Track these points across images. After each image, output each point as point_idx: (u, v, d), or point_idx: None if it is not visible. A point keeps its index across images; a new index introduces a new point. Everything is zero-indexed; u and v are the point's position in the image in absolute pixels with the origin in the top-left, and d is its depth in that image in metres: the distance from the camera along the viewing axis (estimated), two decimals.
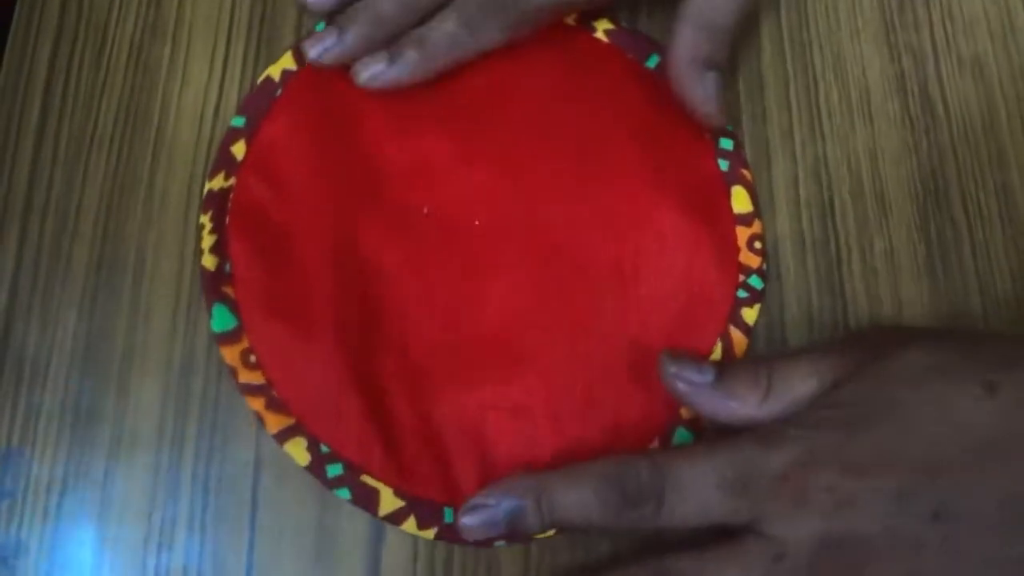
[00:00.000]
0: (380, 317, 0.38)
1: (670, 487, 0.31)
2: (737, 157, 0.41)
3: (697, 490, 0.31)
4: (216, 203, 0.40)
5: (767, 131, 0.42)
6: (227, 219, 0.39)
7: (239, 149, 0.40)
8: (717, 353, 0.38)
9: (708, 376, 0.34)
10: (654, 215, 0.40)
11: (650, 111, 0.41)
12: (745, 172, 0.41)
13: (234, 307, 0.38)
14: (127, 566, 0.35)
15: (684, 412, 0.37)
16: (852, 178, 0.42)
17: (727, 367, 0.34)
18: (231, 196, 0.40)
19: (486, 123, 0.41)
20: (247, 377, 0.37)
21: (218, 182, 0.40)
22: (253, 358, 0.37)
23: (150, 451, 0.37)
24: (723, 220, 0.40)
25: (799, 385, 0.33)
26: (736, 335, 0.39)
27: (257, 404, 0.37)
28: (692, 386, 0.34)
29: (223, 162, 0.40)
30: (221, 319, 0.38)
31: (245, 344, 0.38)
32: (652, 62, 0.43)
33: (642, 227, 0.40)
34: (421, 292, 0.39)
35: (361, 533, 0.36)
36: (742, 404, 0.33)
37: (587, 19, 0.43)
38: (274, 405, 0.37)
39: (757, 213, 0.41)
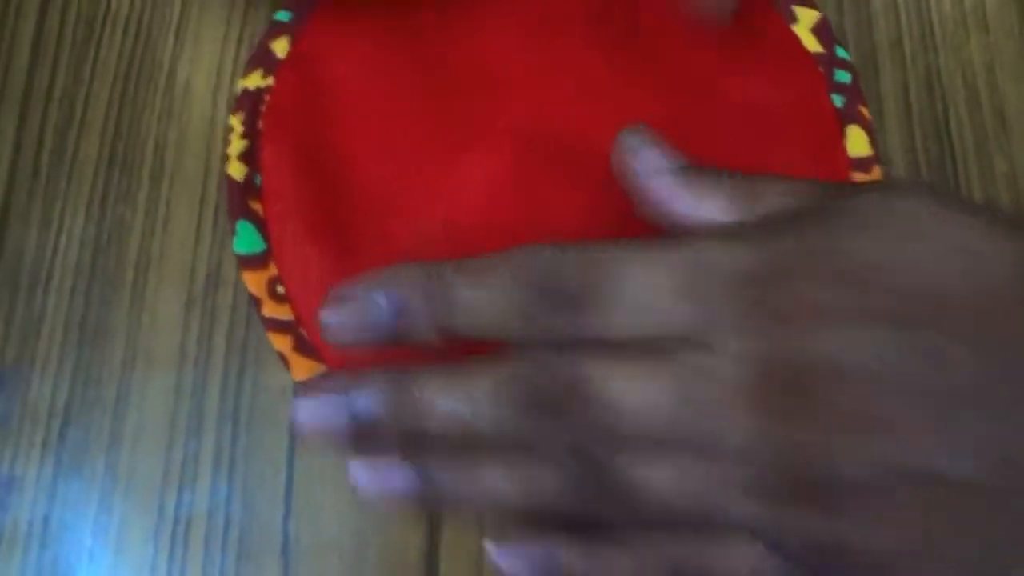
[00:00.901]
0: (439, 243, 0.33)
1: (604, 285, 0.23)
2: (854, 92, 0.36)
3: (637, 290, 0.23)
4: (250, 103, 0.34)
5: (873, 39, 0.37)
6: (261, 122, 0.34)
7: (281, 46, 0.35)
8: None
9: (673, 162, 0.26)
10: (757, 155, 0.35)
11: (754, 36, 0.36)
12: (863, 110, 0.36)
13: (262, 226, 0.33)
14: (141, 508, 0.30)
15: None
16: (968, 91, 0.37)
17: (694, 166, 0.27)
18: (267, 96, 0.34)
19: (568, 37, 0.36)
20: (273, 310, 0.32)
21: (254, 80, 0.34)
22: (281, 289, 0.32)
23: (170, 373, 0.31)
24: (837, 165, 0.35)
25: (774, 200, 0.25)
26: None
27: (283, 343, 0.31)
28: (649, 170, 0.26)
29: (261, 58, 0.35)
30: (246, 239, 0.32)
31: (273, 271, 0.32)
32: None
33: (747, 159, 0.34)
34: (490, 215, 0.33)
35: None
36: (704, 202, 0.25)
37: None
38: (303, 347, 0.31)
39: (876, 157, 0.35)
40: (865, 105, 0.36)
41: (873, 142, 0.35)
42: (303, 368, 0.31)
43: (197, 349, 0.31)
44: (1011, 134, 0.36)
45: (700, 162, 0.34)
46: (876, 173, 0.35)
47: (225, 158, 0.33)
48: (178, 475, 0.30)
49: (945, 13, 0.38)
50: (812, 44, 0.37)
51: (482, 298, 0.24)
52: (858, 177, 0.35)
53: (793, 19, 0.37)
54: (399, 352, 0.30)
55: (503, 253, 0.24)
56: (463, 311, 0.24)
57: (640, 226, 0.33)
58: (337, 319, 0.25)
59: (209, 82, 0.35)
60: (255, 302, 0.32)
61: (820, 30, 0.37)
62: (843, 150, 0.35)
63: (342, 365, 0.31)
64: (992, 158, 0.36)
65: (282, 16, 0.35)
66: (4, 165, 0.33)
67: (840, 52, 0.36)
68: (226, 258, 0.33)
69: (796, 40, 0.37)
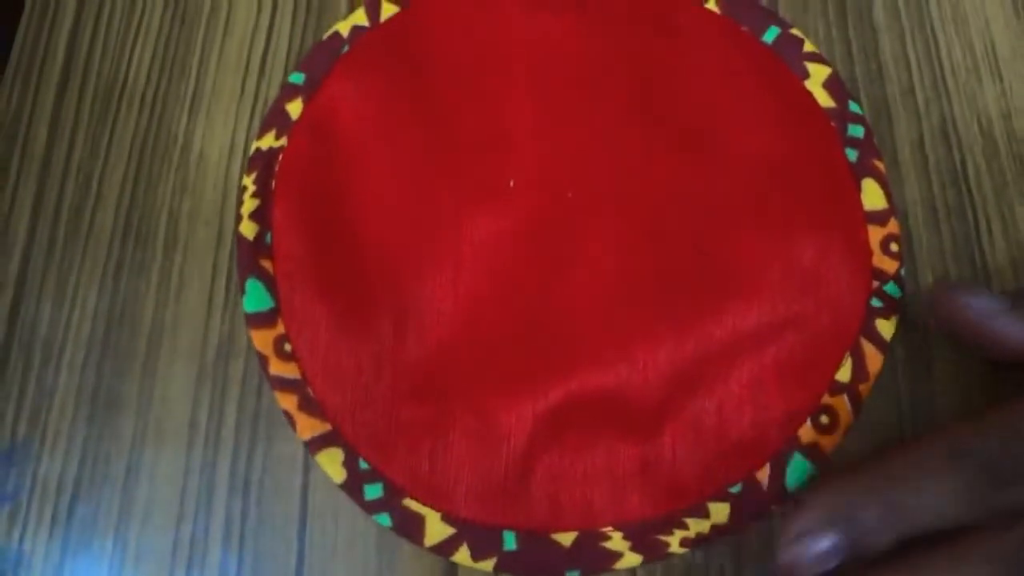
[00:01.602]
0: (450, 307, 0.33)
1: None
2: (868, 146, 0.36)
3: None
4: (263, 163, 0.35)
5: (885, 89, 0.37)
6: (273, 182, 0.34)
7: (295, 108, 0.36)
8: (846, 372, 0.32)
9: (1005, 302, 0.28)
10: (772, 211, 0.34)
11: (766, 92, 0.36)
12: (878, 164, 0.35)
13: (271, 284, 0.33)
14: None
15: (803, 435, 0.31)
16: (985, 139, 0.36)
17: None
18: (280, 157, 0.35)
19: (578, 95, 0.36)
20: (279, 368, 0.32)
21: (267, 141, 0.35)
22: (288, 347, 0.32)
23: (180, 448, 0.31)
24: (852, 218, 0.34)
25: None
26: (870, 351, 0.32)
27: (288, 402, 0.31)
28: (984, 312, 0.28)
29: (275, 120, 0.35)
30: (255, 297, 0.32)
31: (280, 329, 0.32)
32: (770, 36, 0.37)
33: (759, 225, 0.34)
34: (503, 274, 0.33)
35: (430, 556, 0.30)
36: None
37: None
38: (308, 406, 0.31)
39: (892, 211, 0.35)
40: (879, 159, 0.35)
41: (887, 195, 0.35)
42: (308, 427, 0.31)
43: (208, 421, 0.31)
44: None
45: (717, 221, 0.34)
46: (892, 225, 0.34)
47: (238, 218, 0.34)
48: (187, 551, 0.29)
49: (957, 61, 0.38)
50: (824, 99, 0.36)
51: (930, 497, 0.25)
52: (874, 230, 0.34)
53: (805, 75, 0.37)
54: (406, 394, 0.30)
55: (933, 445, 0.26)
56: (914, 513, 0.25)
57: (662, 283, 0.33)
58: (797, 558, 0.26)
59: (222, 154, 0.35)
60: (262, 360, 0.32)
61: (832, 85, 0.37)
62: (859, 203, 0.35)
63: (344, 425, 0.31)
64: (1013, 205, 0.35)
65: (296, 78, 0.36)
66: (20, 239, 0.34)
67: (853, 107, 0.36)
68: (237, 328, 0.32)
69: (809, 96, 0.36)
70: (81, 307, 0.33)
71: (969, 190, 0.36)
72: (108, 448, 0.31)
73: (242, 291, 0.33)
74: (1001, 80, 0.38)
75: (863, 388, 0.32)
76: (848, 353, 0.32)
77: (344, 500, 0.30)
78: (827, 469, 0.31)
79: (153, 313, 0.33)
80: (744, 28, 0.38)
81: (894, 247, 0.34)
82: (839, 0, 0.39)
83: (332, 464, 0.30)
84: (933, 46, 0.38)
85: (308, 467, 0.31)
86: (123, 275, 0.33)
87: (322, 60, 0.36)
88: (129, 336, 0.32)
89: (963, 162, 0.36)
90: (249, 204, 0.34)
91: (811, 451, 0.31)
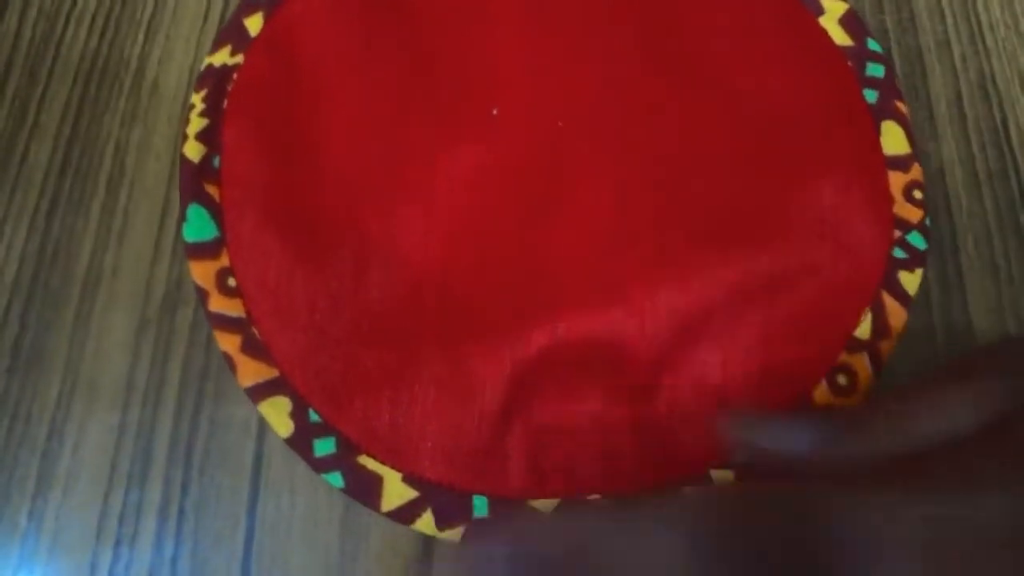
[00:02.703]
0: (422, 239, 0.29)
1: None
2: (889, 86, 0.33)
3: None
4: (214, 81, 0.31)
5: (919, 40, 0.34)
6: (225, 102, 0.30)
7: (254, 23, 0.32)
8: (865, 328, 0.29)
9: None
10: (784, 152, 0.31)
11: (777, 28, 0.33)
12: (899, 104, 0.32)
13: (217, 211, 0.29)
14: (69, 568, 0.25)
15: (817, 396, 0.28)
16: None
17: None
18: (235, 76, 0.31)
19: (575, 28, 0.33)
20: (221, 305, 0.28)
21: (221, 57, 0.31)
22: (232, 281, 0.28)
23: (114, 409, 0.27)
24: (872, 162, 0.31)
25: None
26: (891, 305, 0.29)
27: (229, 344, 0.27)
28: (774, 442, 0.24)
29: (231, 35, 0.32)
30: (197, 225, 0.29)
31: (224, 262, 0.28)
32: None
33: (769, 166, 0.31)
34: (482, 210, 0.29)
35: (403, 538, 0.26)
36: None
37: None
38: (252, 347, 0.27)
39: (915, 155, 0.32)
40: (902, 100, 0.32)
41: (910, 138, 0.32)
42: (251, 372, 0.27)
43: (147, 380, 0.27)
44: None
45: (724, 159, 0.30)
46: (915, 172, 0.31)
47: (183, 138, 0.30)
48: (115, 529, 0.25)
49: (995, 17, 0.35)
50: (840, 37, 0.33)
51: None
52: (895, 177, 0.31)
53: (820, 11, 0.34)
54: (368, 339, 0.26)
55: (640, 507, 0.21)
56: None
57: (663, 223, 0.29)
58: None
59: (179, 82, 0.31)
60: (201, 295, 0.28)
61: (849, 22, 0.34)
62: (879, 147, 0.32)
63: (293, 371, 0.27)
64: None
65: None
66: None
67: (872, 44, 0.33)
68: (187, 276, 0.29)
69: (824, 33, 0.33)
70: (7, 247, 0.29)
71: (1012, 152, 0.33)
72: (28, 407, 0.27)
73: (183, 219, 0.29)
74: None
75: (885, 346, 0.29)
76: (868, 307, 0.29)
77: (304, 471, 0.26)
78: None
79: (90, 256, 0.29)
80: None
81: (917, 194, 0.31)
82: None
83: (278, 415, 0.26)
84: (970, 1, 0.35)
85: (263, 433, 0.27)
86: (58, 213, 0.29)
87: None
88: (61, 281, 0.28)
89: (1004, 121, 0.33)
90: (196, 123, 0.30)
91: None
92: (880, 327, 0.29)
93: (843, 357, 0.28)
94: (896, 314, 0.29)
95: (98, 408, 0.27)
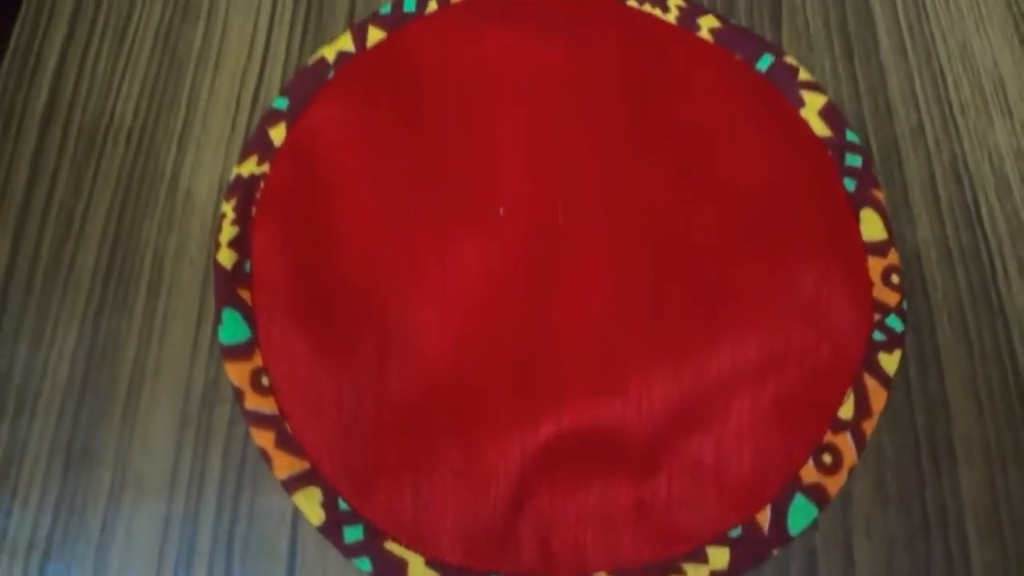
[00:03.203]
0: (436, 339, 0.32)
1: None
2: (866, 175, 0.36)
3: None
4: (243, 190, 0.34)
5: (894, 128, 0.37)
6: (254, 209, 0.34)
7: (278, 133, 0.35)
8: (848, 408, 0.32)
9: None
10: (769, 241, 0.34)
11: (761, 120, 0.36)
12: (876, 192, 0.35)
13: (249, 314, 0.32)
14: None
15: (804, 475, 0.30)
16: (997, 178, 0.36)
17: None
18: (262, 184, 0.34)
19: (570, 124, 0.36)
20: (256, 403, 0.31)
21: (248, 167, 0.34)
22: (266, 380, 0.31)
23: (160, 501, 0.30)
24: (852, 249, 0.34)
25: None
26: (873, 385, 0.32)
27: (265, 439, 0.30)
28: None
29: (257, 145, 0.35)
30: (232, 328, 0.32)
31: (258, 362, 0.31)
32: (763, 64, 0.38)
33: (756, 254, 0.34)
34: (492, 306, 0.32)
35: None
36: None
37: (691, 17, 0.38)
38: (285, 442, 0.30)
39: (892, 241, 0.34)
40: (878, 188, 0.35)
41: (887, 225, 0.35)
42: (285, 465, 0.30)
43: (190, 472, 0.30)
44: None
45: (712, 250, 0.33)
46: (892, 256, 0.34)
47: (216, 245, 0.33)
48: None
49: (966, 99, 0.38)
50: (820, 128, 0.36)
51: None
52: (874, 262, 0.34)
53: (801, 103, 0.37)
54: (389, 431, 0.29)
55: None
56: None
57: (657, 314, 0.32)
58: None
59: (211, 191, 0.34)
60: (237, 394, 0.31)
61: (828, 113, 0.37)
62: (858, 234, 0.34)
63: (324, 463, 0.30)
64: None
65: (279, 104, 0.36)
66: None
67: (850, 136, 0.36)
68: (223, 374, 0.31)
69: (804, 124, 0.36)
70: (59, 351, 0.32)
71: (983, 231, 0.35)
72: (83, 502, 0.29)
73: (219, 321, 0.32)
74: (1011, 117, 0.38)
75: (867, 425, 0.31)
76: (850, 388, 0.32)
77: (335, 557, 0.29)
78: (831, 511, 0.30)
79: (135, 357, 0.32)
80: (737, 56, 0.38)
81: (895, 279, 0.33)
82: (845, 38, 0.39)
83: (310, 505, 0.29)
84: (941, 84, 0.38)
85: (297, 521, 0.29)
86: (104, 317, 0.32)
87: (307, 85, 0.36)
88: (108, 381, 0.31)
89: (976, 201, 0.36)
90: (228, 231, 0.33)
91: (814, 492, 0.30)
92: (862, 407, 0.31)
93: (828, 437, 0.31)
94: (877, 394, 0.32)
95: (146, 500, 0.30)
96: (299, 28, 0.38)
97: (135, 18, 0.38)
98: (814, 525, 0.30)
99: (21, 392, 0.31)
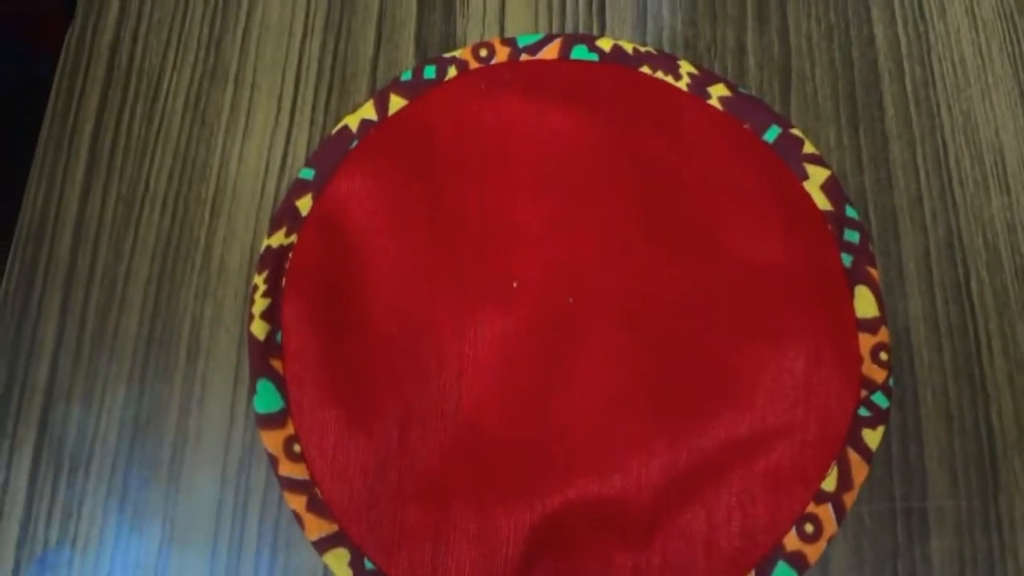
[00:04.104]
0: (452, 408, 0.35)
1: None
2: (863, 252, 0.38)
3: None
4: (273, 262, 0.37)
5: (893, 199, 0.39)
6: (284, 281, 0.37)
7: (305, 204, 0.38)
8: (831, 481, 0.35)
9: None
10: (767, 320, 0.37)
11: (766, 193, 0.39)
12: (871, 271, 0.38)
13: (281, 385, 0.35)
14: None
15: (787, 543, 0.34)
16: (989, 253, 0.39)
17: None
18: (291, 255, 0.37)
19: (582, 194, 0.39)
20: (289, 469, 0.34)
21: (277, 239, 0.37)
22: (298, 447, 0.35)
23: (205, 555, 0.34)
24: (844, 326, 0.37)
25: None
26: (855, 460, 0.35)
27: (297, 503, 0.34)
28: None
29: (285, 217, 0.38)
30: (266, 398, 0.35)
31: (290, 430, 0.35)
32: (771, 135, 0.40)
33: (753, 334, 0.37)
34: (504, 378, 0.36)
35: None
36: None
37: (702, 85, 0.40)
38: (316, 506, 0.34)
39: (883, 318, 0.37)
40: (873, 265, 0.38)
41: (879, 303, 0.37)
42: (316, 527, 0.34)
43: (231, 530, 0.34)
44: None
45: (713, 330, 0.36)
46: (883, 334, 0.37)
47: (249, 317, 0.36)
48: None
49: (965, 172, 0.40)
50: (822, 202, 0.39)
51: None
52: (864, 339, 0.37)
53: (804, 176, 0.39)
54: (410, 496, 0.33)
55: None
56: None
57: (658, 394, 0.35)
58: None
59: (243, 259, 0.37)
60: (272, 461, 0.34)
61: (830, 187, 0.39)
62: (851, 311, 0.37)
63: (351, 527, 0.33)
64: (1015, 322, 0.38)
65: (306, 174, 0.38)
66: (48, 345, 0.36)
67: (849, 211, 0.38)
68: (258, 440, 0.35)
69: (808, 198, 0.39)
70: (108, 413, 0.35)
71: (972, 306, 0.38)
72: (136, 554, 0.33)
73: (253, 391, 0.35)
74: (1008, 192, 0.40)
75: (847, 497, 0.35)
76: (835, 462, 0.35)
77: None
78: None
79: (177, 421, 0.35)
80: (746, 126, 0.40)
81: (883, 356, 0.36)
82: (851, 107, 0.41)
83: (339, 564, 0.33)
84: (943, 155, 0.40)
85: None
86: (148, 381, 0.36)
87: (331, 155, 0.39)
88: (154, 444, 0.35)
89: (967, 277, 0.38)
90: (260, 304, 0.36)
91: (795, 559, 0.34)
92: (844, 481, 0.35)
93: (811, 508, 0.34)
94: (859, 468, 0.35)
95: (191, 555, 0.34)
96: (324, 92, 0.40)
97: (165, 82, 0.40)
98: None
99: (75, 453, 0.35)
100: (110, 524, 0.34)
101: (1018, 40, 0.43)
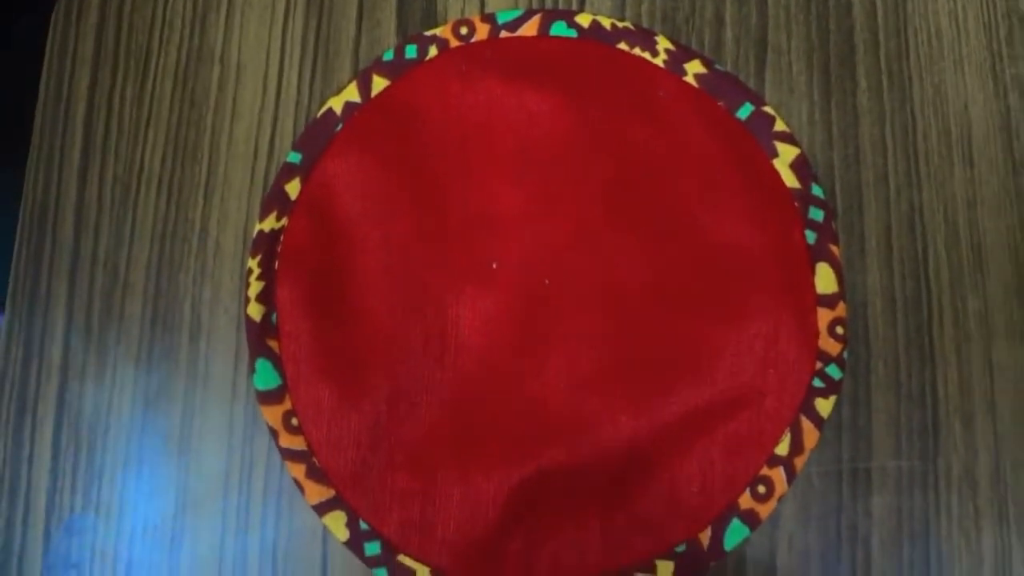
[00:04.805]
0: (436, 383, 0.39)
1: None
2: (827, 230, 0.40)
3: None
4: (266, 246, 0.39)
5: (860, 175, 0.41)
6: (276, 264, 0.39)
7: (293, 187, 0.40)
8: (784, 446, 0.38)
9: None
10: (731, 297, 0.39)
11: (736, 171, 0.41)
12: (833, 248, 0.40)
13: (278, 363, 0.38)
14: None
15: (742, 502, 0.38)
16: (948, 227, 0.41)
17: None
18: (282, 238, 0.39)
19: (560, 177, 0.40)
20: (288, 441, 0.38)
21: (269, 223, 0.40)
22: (295, 421, 0.38)
23: (216, 519, 0.38)
24: (805, 299, 0.40)
25: None
26: (807, 426, 0.39)
27: (297, 471, 0.38)
28: None
29: (275, 201, 0.40)
30: (265, 376, 0.38)
31: (288, 405, 0.38)
32: (744, 112, 0.41)
33: (718, 311, 0.39)
34: (484, 356, 0.39)
35: None
36: None
37: (679, 61, 0.42)
38: (314, 474, 0.38)
39: (842, 294, 0.40)
40: (836, 243, 0.40)
41: (839, 279, 0.40)
42: (315, 492, 0.38)
43: (238, 497, 0.38)
44: (987, 272, 0.41)
45: (681, 308, 0.39)
46: (840, 309, 0.40)
47: (245, 300, 0.39)
48: None
49: (932, 147, 0.42)
50: (790, 179, 0.41)
51: None
52: (823, 313, 0.39)
53: (774, 153, 0.41)
54: (399, 464, 0.37)
55: None
56: None
57: (627, 371, 0.38)
58: None
59: (237, 240, 0.40)
60: (272, 433, 0.38)
61: (799, 165, 0.41)
62: (811, 287, 0.40)
63: (346, 491, 0.37)
64: (966, 296, 0.40)
65: (293, 158, 0.40)
66: (60, 326, 0.39)
67: (815, 190, 0.40)
68: (260, 415, 0.38)
69: (776, 175, 0.41)
70: (119, 390, 0.39)
71: (927, 280, 0.41)
72: (155, 519, 0.38)
73: (252, 370, 0.38)
74: (972, 165, 0.42)
75: (798, 461, 0.38)
76: (788, 429, 0.39)
77: (359, 566, 0.37)
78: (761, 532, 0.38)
79: (183, 397, 0.39)
80: (720, 103, 0.41)
81: (839, 330, 0.39)
82: (825, 81, 0.42)
83: (337, 525, 0.37)
84: (911, 129, 0.42)
85: (327, 538, 0.38)
86: (154, 360, 0.39)
87: (317, 138, 0.40)
88: (164, 418, 0.38)
89: (925, 251, 0.41)
90: (255, 287, 0.39)
91: (748, 516, 0.38)
92: (796, 445, 0.38)
93: (764, 471, 0.38)
94: (811, 434, 0.38)
95: (203, 519, 0.38)
96: (308, 71, 0.41)
97: (153, 62, 0.41)
98: (746, 542, 0.38)
99: (92, 427, 0.38)
100: (128, 491, 0.38)
101: (994, 7, 0.43)
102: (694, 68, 0.41)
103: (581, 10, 0.42)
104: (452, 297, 0.39)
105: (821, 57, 0.42)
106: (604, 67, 0.41)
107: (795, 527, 0.38)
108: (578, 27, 0.42)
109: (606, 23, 0.42)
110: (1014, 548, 0.38)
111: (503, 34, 0.42)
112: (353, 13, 0.42)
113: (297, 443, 0.38)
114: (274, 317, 0.39)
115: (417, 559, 0.37)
